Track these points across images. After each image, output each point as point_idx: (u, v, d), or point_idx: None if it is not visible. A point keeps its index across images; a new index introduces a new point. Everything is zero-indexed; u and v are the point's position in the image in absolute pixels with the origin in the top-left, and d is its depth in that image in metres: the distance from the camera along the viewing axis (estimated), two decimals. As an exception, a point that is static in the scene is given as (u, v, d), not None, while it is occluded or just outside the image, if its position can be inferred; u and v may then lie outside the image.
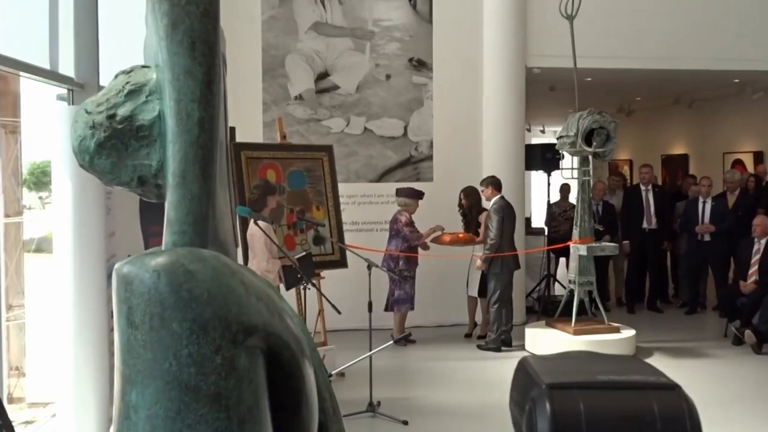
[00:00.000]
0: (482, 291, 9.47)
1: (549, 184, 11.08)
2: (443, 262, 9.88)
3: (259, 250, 6.80)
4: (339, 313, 6.05)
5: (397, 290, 9.18)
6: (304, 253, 7.41)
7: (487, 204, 9.36)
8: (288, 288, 7.00)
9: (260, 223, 6.39)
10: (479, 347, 9.11)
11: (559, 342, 8.54)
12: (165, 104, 1.97)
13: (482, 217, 9.41)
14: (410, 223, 9.12)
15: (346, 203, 9.89)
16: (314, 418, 1.99)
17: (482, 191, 9.24)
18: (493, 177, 9.28)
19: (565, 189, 11.47)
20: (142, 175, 2.03)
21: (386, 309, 9.26)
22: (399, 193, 9.25)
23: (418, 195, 9.17)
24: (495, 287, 9.01)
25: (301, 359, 1.93)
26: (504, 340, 9.05)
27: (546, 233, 11.49)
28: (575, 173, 9.15)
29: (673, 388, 2.58)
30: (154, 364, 1.75)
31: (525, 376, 2.75)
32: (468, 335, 9.76)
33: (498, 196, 9.13)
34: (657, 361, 8.51)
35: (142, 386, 1.76)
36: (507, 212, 9.06)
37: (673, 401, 2.58)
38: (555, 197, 11.83)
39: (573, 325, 8.80)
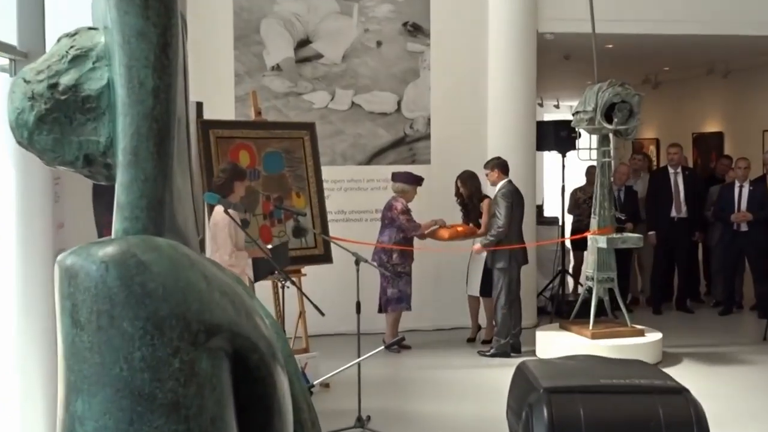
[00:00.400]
0: (485, 289, 9.50)
1: (564, 167, 11.09)
2: (442, 256, 9.89)
3: (222, 242, 6.81)
4: (322, 315, 6.05)
5: (390, 288, 9.19)
6: (278, 242, 7.42)
7: (491, 190, 9.36)
8: (257, 279, 7.03)
9: (231, 211, 6.38)
10: (481, 354, 9.13)
11: (574, 347, 8.56)
12: (114, 71, 1.96)
13: (484, 205, 9.45)
14: (407, 211, 9.13)
15: (330, 189, 9.89)
16: (288, 431, 2.00)
17: (487, 175, 9.24)
18: (499, 158, 9.29)
19: (591, 172, 11.48)
20: (88, 153, 2.03)
21: (380, 310, 9.28)
22: (395, 178, 9.26)
23: (417, 181, 9.18)
24: (501, 285, 9.04)
25: (273, 364, 1.93)
26: (513, 344, 9.08)
27: (560, 223, 11.50)
28: (593, 154, 9.16)
29: (680, 392, 2.63)
30: (102, 369, 1.75)
31: (523, 381, 2.79)
32: (471, 340, 9.79)
33: (505, 180, 9.15)
34: (687, 369, 8.54)
35: (89, 394, 1.76)
36: (515, 199, 9.07)
37: (680, 406, 2.63)
38: (572, 181, 11.84)
39: (591, 327, 8.83)
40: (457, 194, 9.62)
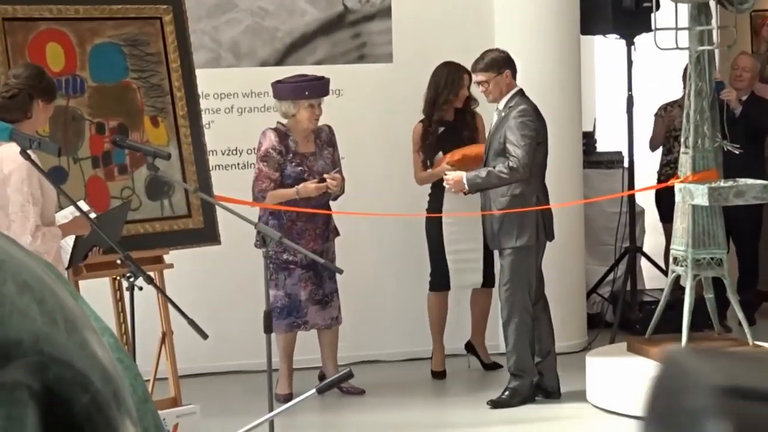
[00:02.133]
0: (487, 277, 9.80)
1: (630, 63, 11.13)
2: (410, 227, 9.92)
3: (19, 209, 6.75)
4: (205, 337, 6.08)
5: (275, 289, 9.01)
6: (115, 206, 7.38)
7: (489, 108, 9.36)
8: (71, 264, 7.01)
9: (33, 154, 6.37)
10: (493, 405, 9.20)
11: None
12: None
13: (479, 123, 9.68)
14: (272, 154, 9.14)
15: (214, 112, 9.89)
16: None
17: (481, 85, 9.12)
18: (502, 52, 9.23)
19: None
20: None
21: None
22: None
23: (297, 92, 9.09)
24: (511, 274, 9.12)
25: (116, 412, 1.92)
26: (543, 383, 9.23)
27: (627, 163, 11.51)
28: (683, 39, 9.18)
29: None
30: None
31: (676, 378, 2.79)
32: (438, 374, 10.03)
33: (515, 91, 9.17)
34: None
35: None
36: (539, 123, 9.09)
37: None
38: (646, 90, 11.85)
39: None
40: (433, 104, 9.67)
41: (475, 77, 9.14)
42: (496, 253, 9.40)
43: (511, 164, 8.86)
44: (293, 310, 9.15)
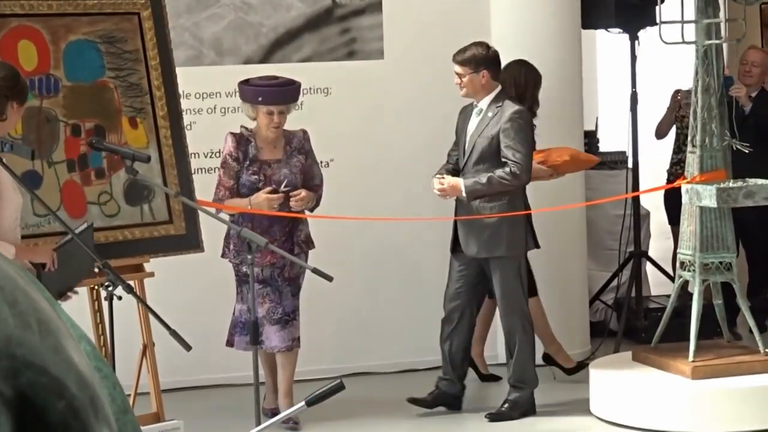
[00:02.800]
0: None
1: (634, 58, 11.12)
2: (403, 231, 9.90)
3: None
4: (188, 349, 6.07)
5: (239, 303, 8.98)
6: (82, 227, 7.32)
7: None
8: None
9: (5, 157, 6.37)
10: (491, 418, 9.21)
11: (665, 394, 8.65)
12: None
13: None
14: (228, 161, 8.98)
15: (195, 112, 9.90)
16: None
17: (459, 77, 9.04)
18: (484, 50, 9.15)
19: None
20: None
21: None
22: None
23: (256, 95, 8.96)
24: (508, 282, 9.10)
25: (93, 419, 1.92)
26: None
27: (631, 163, 11.50)
28: (689, 33, 9.16)
29: None
30: None
31: None
32: (487, 377, 10.03)
33: (497, 92, 9.12)
34: None
35: None
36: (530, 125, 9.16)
37: None
38: (650, 85, 11.82)
39: (691, 358, 8.87)
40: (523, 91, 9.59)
41: (454, 66, 9.11)
42: None
43: (513, 170, 8.85)
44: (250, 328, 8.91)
